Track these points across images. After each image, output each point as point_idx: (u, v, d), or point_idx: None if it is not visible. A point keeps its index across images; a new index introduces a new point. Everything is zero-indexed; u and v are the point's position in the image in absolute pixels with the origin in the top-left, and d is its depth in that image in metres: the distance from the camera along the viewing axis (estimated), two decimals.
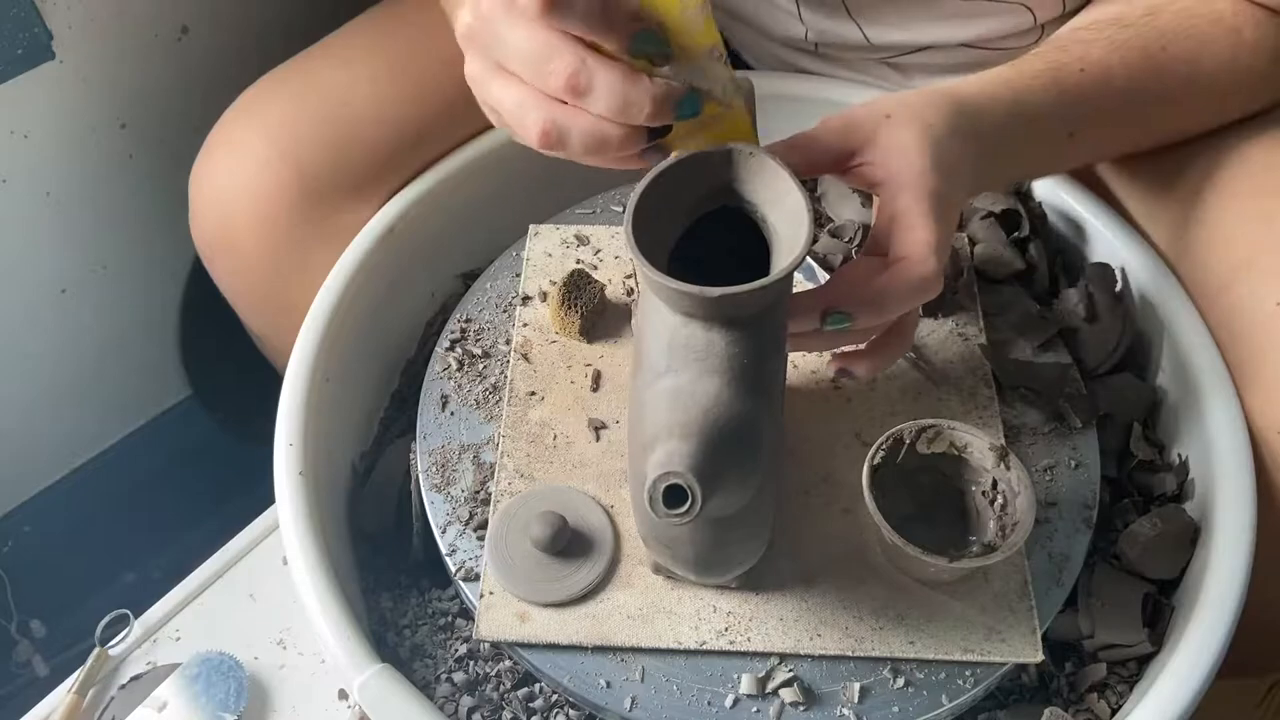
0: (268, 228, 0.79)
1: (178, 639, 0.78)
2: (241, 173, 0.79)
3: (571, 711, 0.62)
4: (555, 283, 0.72)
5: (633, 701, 0.58)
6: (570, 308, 0.71)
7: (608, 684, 0.59)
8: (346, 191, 0.79)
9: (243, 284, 0.84)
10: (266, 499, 0.68)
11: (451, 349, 0.73)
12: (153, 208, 1.00)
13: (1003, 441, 0.63)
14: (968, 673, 0.59)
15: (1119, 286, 0.73)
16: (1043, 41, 0.69)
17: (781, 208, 0.53)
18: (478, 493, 0.66)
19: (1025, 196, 0.79)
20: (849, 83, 0.86)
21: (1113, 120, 0.68)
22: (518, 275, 0.76)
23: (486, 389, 0.71)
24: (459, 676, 0.63)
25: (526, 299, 0.74)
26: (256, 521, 0.84)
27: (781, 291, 0.54)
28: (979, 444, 0.61)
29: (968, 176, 0.59)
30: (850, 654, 0.59)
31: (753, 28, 0.87)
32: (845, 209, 0.77)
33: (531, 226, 0.78)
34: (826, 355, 0.70)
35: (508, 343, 0.73)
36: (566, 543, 0.61)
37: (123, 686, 0.76)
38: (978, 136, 0.59)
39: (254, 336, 0.93)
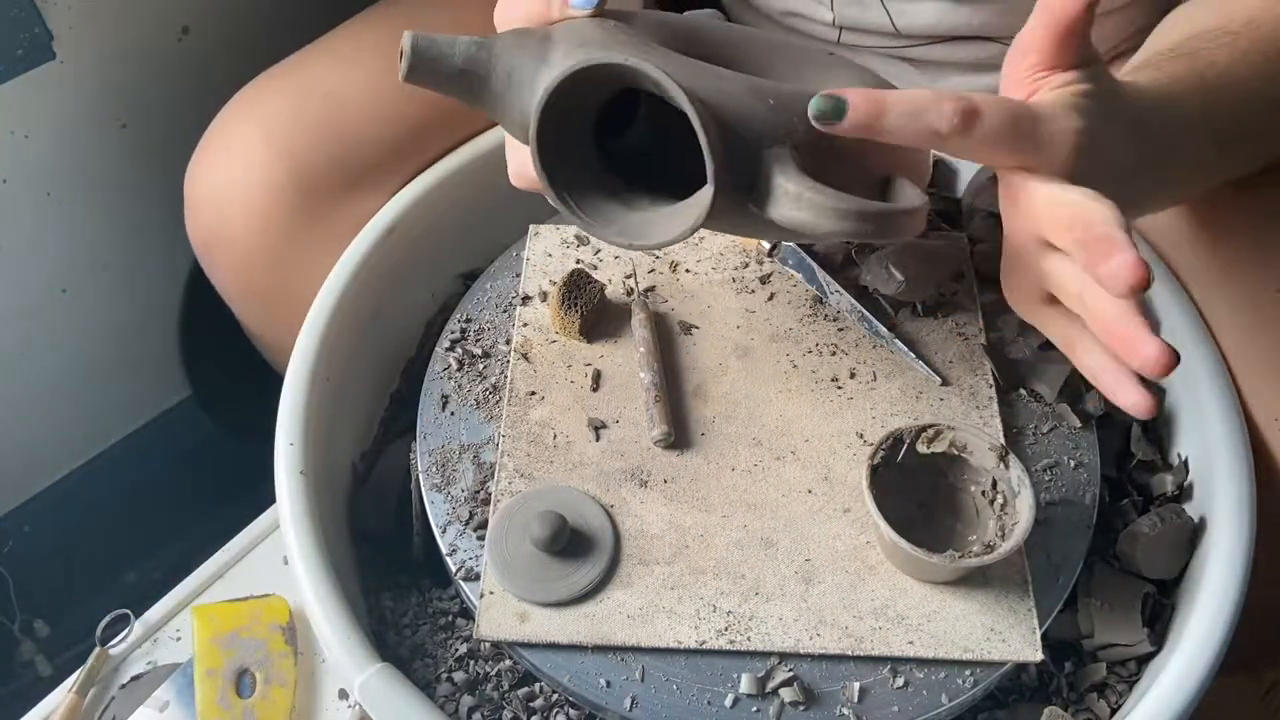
0: (263, 224, 0.79)
1: (178, 639, 0.78)
2: (238, 170, 0.79)
3: (571, 711, 0.62)
4: (555, 283, 0.72)
5: (633, 701, 0.58)
6: (570, 308, 0.71)
7: (608, 683, 0.59)
8: (342, 189, 0.79)
9: (238, 281, 0.84)
10: (266, 499, 0.68)
11: (451, 349, 0.73)
12: (153, 208, 1.00)
13: (1003, 441, 0.63)
14: (967, 672, 0.59)
15: None
16: None
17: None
18: (478, 492, 0.66)
19: None
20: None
21: (1250, 127, 0.62)
22: (518, 275, 0.76)
23: (486, 389, 0.71)
24: (459, 676, 0.63)
25: (526, 299, 0.74)
26: (256, 521, 0.84)
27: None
28: (979, 444, 0.61)
29: (1121, 160, 0.53)
30: (850, 653, 0.59)
31: (772, 17, 0.86)
32: None
33: (531, 226, 0.78)
34: (828, 355, 0.70)
35: (508, 343, 0.73)
36: (566, 543, 0.61)
37: (123, 686, 0.76)
38: (1133, 124, 0.54)
39: (250, 334, 0.93)
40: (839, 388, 0.69)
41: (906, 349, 0.70)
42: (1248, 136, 0.62)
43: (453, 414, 0.70)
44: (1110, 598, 0.63)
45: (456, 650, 0.64)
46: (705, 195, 0.49)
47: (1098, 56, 0.54)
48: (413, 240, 0.79)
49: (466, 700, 0.62)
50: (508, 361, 0.71)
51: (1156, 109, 0.55)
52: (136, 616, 0.79)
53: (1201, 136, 0.58)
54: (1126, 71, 0.59)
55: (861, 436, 0.67)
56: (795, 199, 0.50)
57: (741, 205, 0.52)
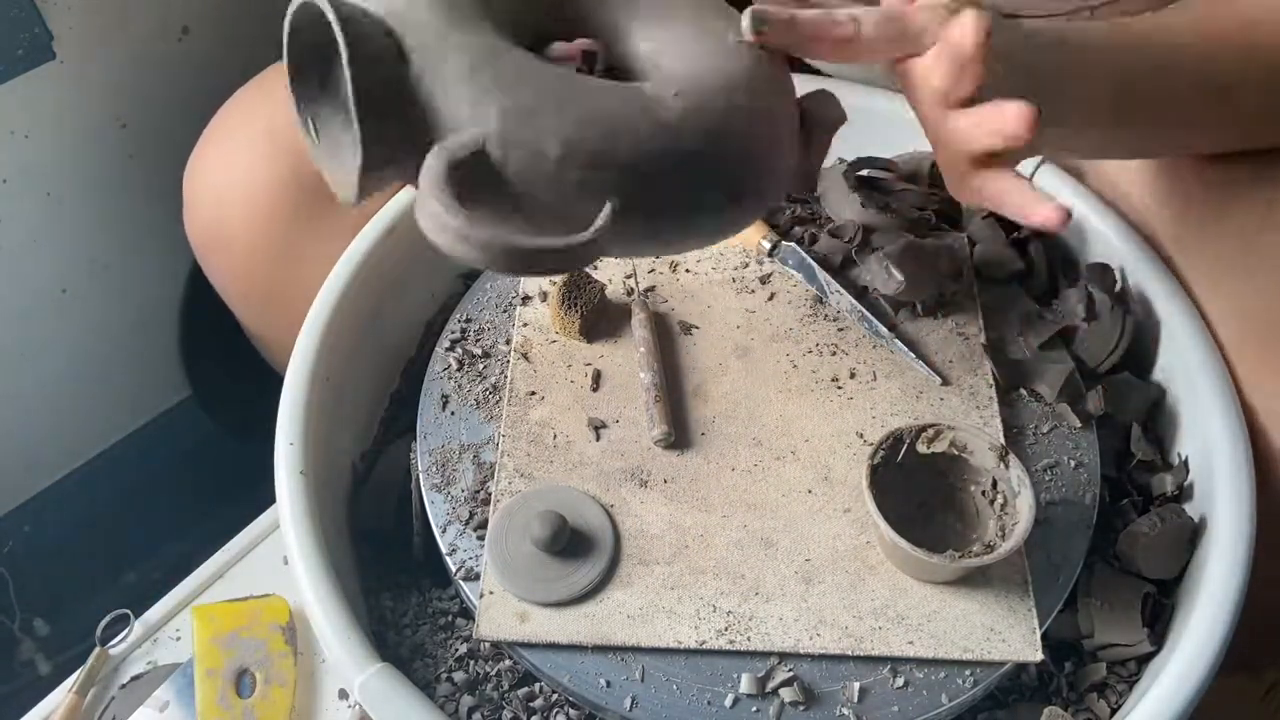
0: (262, 222, 0.79)
1: (178, 639, 0.78)
2: (238, 168, 0.79)
3: (571, 711, 0.62)
4: (555, 283, 0.72)
5: (633, 701, 0.58)
6: (570, 308, 0.71)
7: (608, 683, 0.59)
8: None
9: (237, 280, 0.84)
10: (266, 499, 0.68)
11: (451, 349, 0.73)
12: (153, 208, 1.00)
13: (1003, 441, 0.63)
14: (967, 672, 0.59)
15: (1119, 286, 0.73)
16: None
17: None
18: (478, 492, 0.66)
19: None
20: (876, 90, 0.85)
21: (1175, 90, 0.61)
22: None
23: (486, 389, 0.71)
24: (459, 676, 0.63)
25: (526, 299, 0.74)
26: (256, 521, 0.84)
27: None
28: (979, 444, 0.61)
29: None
30: (850, 653, 0.59)
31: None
32: (845, 209, 0.77)
33: None
34: (828, 355, 0.70)
35: (508, 343, 0.73)
36: (566, 542, 0.61)
37: (123, 686, 0.76)
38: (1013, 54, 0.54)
39: (248, 332, 0.93)
40: (839, 388, 0.69)
41: (906, 349, 0.70)
42: (1169, 93, 0.61)
43: (453, 414, 0.70)
44: (1110, 598, 0.63)
45: (456, 650, 0.64)
46: (359, 151, 0.48)
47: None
48: (413, 240, 0.78)
49: (466, 700, 0.62)
50: (508, 361, 0.71)
51: (1037, 37, 0.56)
52: (136, 616, 0.79)
53: (1098, 65, 0.58)
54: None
55: (861, 436, 0.67)
56: (433, 217, 0.48)
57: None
